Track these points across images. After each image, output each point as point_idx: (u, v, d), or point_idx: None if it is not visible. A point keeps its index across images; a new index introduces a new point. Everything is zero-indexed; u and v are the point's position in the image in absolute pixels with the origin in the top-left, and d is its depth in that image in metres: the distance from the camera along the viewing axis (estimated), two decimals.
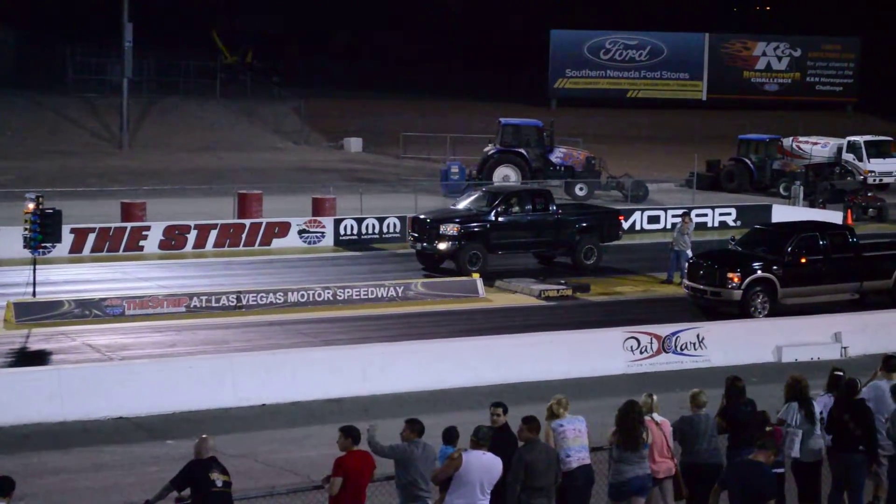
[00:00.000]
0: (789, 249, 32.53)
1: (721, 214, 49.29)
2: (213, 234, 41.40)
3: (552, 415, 15.78)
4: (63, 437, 21.72)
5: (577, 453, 15.60)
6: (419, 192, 49.21)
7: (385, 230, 43.85)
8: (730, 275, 31.96)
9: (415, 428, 15.00)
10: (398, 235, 43.54)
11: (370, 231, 43.67)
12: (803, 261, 32.50)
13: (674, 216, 46.10)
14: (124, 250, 39.96)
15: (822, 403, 17.38)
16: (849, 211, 51.81)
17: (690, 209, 45.47)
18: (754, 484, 14.25)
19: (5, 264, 36.40)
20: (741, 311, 31.66)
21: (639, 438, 15.67)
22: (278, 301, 32.55)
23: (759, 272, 32.16)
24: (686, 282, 33.40)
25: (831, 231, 34.08)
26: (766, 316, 31.55)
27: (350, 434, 14.78)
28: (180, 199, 49.97)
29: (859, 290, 33.52)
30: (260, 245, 41.85)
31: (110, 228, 40.37)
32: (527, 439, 15.00)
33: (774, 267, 32.27)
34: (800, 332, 29.30)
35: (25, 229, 31.12)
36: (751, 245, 33.80)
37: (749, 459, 14.66)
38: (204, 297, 31.97)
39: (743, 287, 31.85)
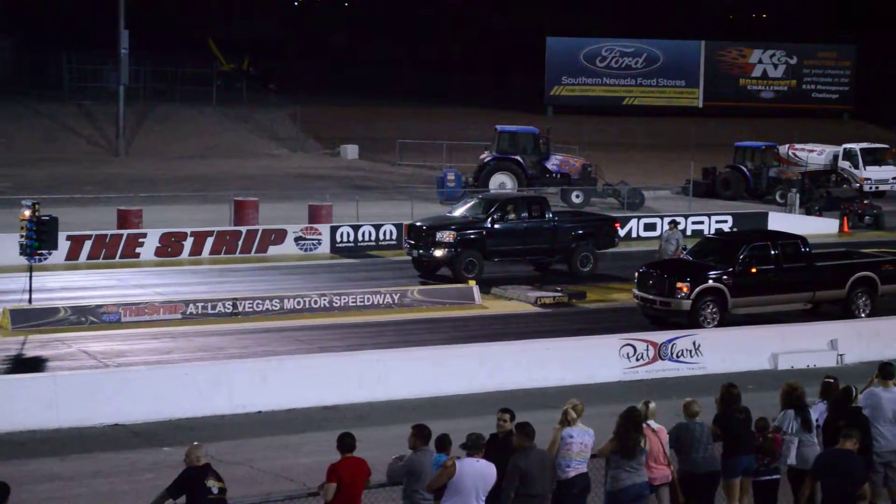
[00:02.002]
0: (740, 259, 31.87)
1: (717, 222, 49.27)
2: (210, 241, 41.42)
3: (566, 421, 15.69)
4: (59, 443, 21.70)
5: (578, 464, 15.59)
6: (415, 200, 49.23)
7: (381, 237, 43.88)
8: (679, 284, 31.34)
9: (421, 434, 14.97)
10: (394, 243, 43.56)
11: (366, 238, 43.69)
12: (754, 270, 31.89)
13: (670, 223, 46.11)
14: (120, 257, 39.95)
15: (818, 411, 17.39)
16: (845, 218, 51.92)
17: (686, 216, 45.51)
18: (848, 471, 15.07)
19: (1, 271, 36.38)
20: (690, 321, 30.97)
21: (636, 446, 15.64)
22: (274, 308, 32.54)
23: (709, 282, 31.62)
24: (636, 291, 32.73)
25: (783, 240, 33.34)
26: (716, 326, 30.84)
27: (342, 443, 14.76)
28: (176, 207, 49.96)
29: (812, 301, 32.90)
30: (256, 252, 41.88)
31: (106, 235, 40.37)
32: (520, 446, 14.95)
33: (724, 277, 31.68)
34: (796, 340, 29.27)
35: (22, 236, 31.12)
36: (702, 255, 33.23)
37: (838, 449, 15.39)
38: (200, 304, 31.97)
39: (692, 297, 31.24)
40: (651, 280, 32.20)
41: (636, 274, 33.10)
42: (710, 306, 31.46)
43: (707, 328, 30.45)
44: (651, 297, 32.01)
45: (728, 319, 31.46)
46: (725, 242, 34.22)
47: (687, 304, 31.30)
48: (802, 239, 33.69)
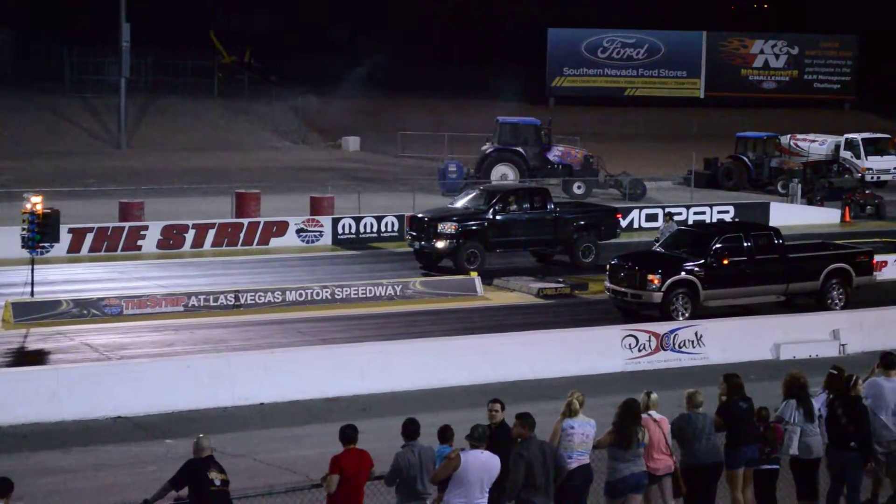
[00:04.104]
0: (712, 251, 31.63)
1: (719, 212, 49.27)
2: (211, 233, 41.43)
3: (569, 412, 15.70)
4: (62, 436, 21.71)
5: (579, 456, 15.60)
6: (417, 191, 49.20)
7: (383, 229, 43.89)
8: (650, 276, 31.09)
9: (405, 432, 14.98)
10: (396, 234, 43.58)
11: (368, 230, 43.70)
12: (726, 262, 31.58)
13: (665, 216, 46.15)
14: (122, 250, 39.99)
15: (820, 401, 17.39)
16: (846, 208, 51.93)
17: (688, 206, 45.46)
18: None
19: (3, 264, 36.39)
20: (662, 313, 30.80)
21: (633, 437, 15.65)
22: (276, 300, 32.55)
23: (681, 274, 31.36)
24: (607, 284, 32.49)
25: (756, 232, 33.11)
26: (688, 318, 30.28)
27: (345, 435, 14.77)
28: (178, 199, 49.98)
29: (785, 292, 32.57)
30: (258, 244, 41.88)
31: (108, 228, 40.40)
32: (520, 435, 14.96)
33: (696, 269, 31.48)
34: (798, 330, 29.25)
35: (23, 229, 31.12)
36: (674, 246, 33.01)
37: None
38: (202, 297, 31.97)
39: (663, 289, 30.98)
40: (622, 272, 31.98)
41: (607, 266, 32.91)
42: (682, 298, 31.21)
43: (680, 320, 30.01)
44: (622, 289, 31.81)
45: (699, 312, 31.13)
46: (698, 234, 33.96)
47: (658, 297, 31.05)
48: (776, 230, 33.47)
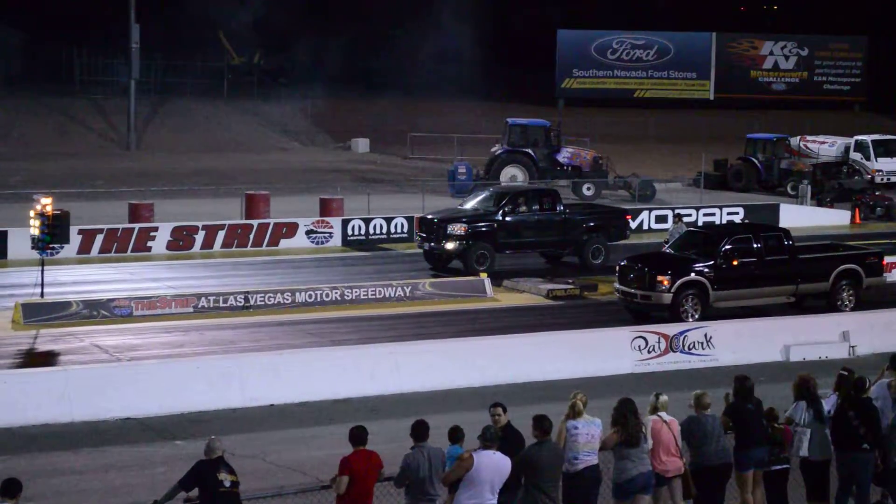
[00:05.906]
0: (722, 252, 31.56)
1: (729, 214, 49.22)
2: (221, 234, 41.48)
3: (573, 413, 15.71)
4: (71, 437, 21.74)
5: (586, 456, 15.59)
6: (427, 193, 49.21)
7: (393, 230, 43.92)
8: (659, 278, 31.04)
9: (414, 433, 14.96)
10: (406, 235, 43.61)
11: (378, 231, 43.72)
12: (735, 263, 31.50)
13: (675, 217, 46.10)
14: (132, 251, 40.05)
15: (830, 403, 17.36)
16: (856, 210, 51.88)
17: (698, 208, 45.39)
18: None
19: (14, 265, 36.50)
20: (672, 314, 30.77)
21: (638, 434, 15.65)
22: (286, 301, 32.57)
23: (690, 275, 31.29)
24: (617, 285, 32.48)
25: (765, 233, 33.05)
26: (697, 320, 30.20)
27: (354, 436, 14.76)
28: (188, 200, 50.03)
29: (795, 294, 32.49)
30: (268, 245, 41.92)
31: (118, 229, 40.46)
32: (537, 438, 14.98)
33: (706, 270, 31.41)
34: (808, 331, 29.21)
35: (34, 230, 31.16)
36: (683, 248, 32.97)
37: None
38: (212, 298, 32.01)
39: (673, 290, 30.92)
40: (632, 274, 31.93)
41: (617, 267, 32.90)
42: (691, 300, 31.14)
43: (689, 322, 29.96)
44: (632, 290, 31.75)
45: (709, 313, 31.06)
46: (707, 235, 33.92)
47: (668, 298, 31.00)
48: (785, 231, 33.44)
